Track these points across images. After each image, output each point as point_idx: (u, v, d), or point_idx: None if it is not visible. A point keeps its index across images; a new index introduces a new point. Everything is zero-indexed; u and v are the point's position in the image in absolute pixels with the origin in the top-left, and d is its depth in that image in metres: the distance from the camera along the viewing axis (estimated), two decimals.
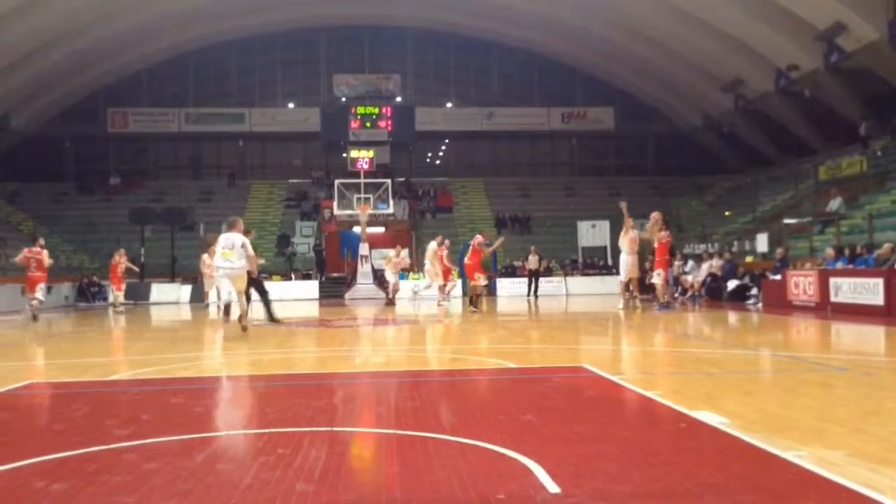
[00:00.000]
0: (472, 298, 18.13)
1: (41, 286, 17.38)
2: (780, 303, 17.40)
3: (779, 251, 20.08)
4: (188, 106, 40.35)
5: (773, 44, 28.63)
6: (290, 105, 41.46)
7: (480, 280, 18.05)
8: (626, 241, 17.29)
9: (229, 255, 12.73)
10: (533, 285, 27.07)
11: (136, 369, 8.25)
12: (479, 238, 18.46)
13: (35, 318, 16.74)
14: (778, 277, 18.32)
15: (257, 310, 14.83)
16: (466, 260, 18.33)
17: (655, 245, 17.56)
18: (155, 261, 30.29)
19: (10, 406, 6.11)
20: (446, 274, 20.62)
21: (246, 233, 14.59)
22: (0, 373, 8.01)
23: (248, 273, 14.17)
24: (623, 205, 17.41)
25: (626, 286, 17.63)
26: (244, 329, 12.49)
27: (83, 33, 31.38)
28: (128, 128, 39.95)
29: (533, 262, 27.48)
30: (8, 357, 10.25)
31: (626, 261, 17.21)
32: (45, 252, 17.53)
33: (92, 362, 9.28)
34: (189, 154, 41.98)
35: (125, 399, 6.44)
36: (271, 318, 14.37)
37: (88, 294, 27.71)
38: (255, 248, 14.57)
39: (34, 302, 17.19)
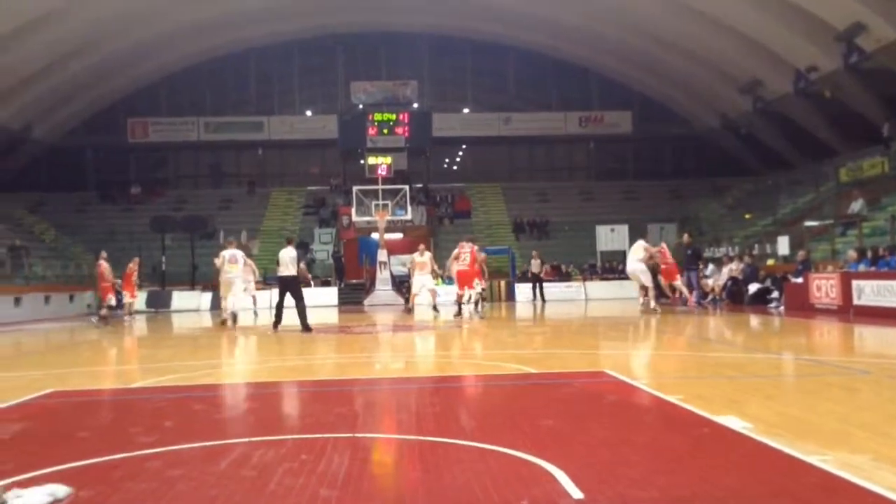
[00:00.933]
0: (476, 303, 18.29)
1: (109, 295, 19.85)
2: (802, 306, 17.26)
3: (800, 254, 19.92)
4: (207, 115, 40.66)
5: (792, 45, 28.44)
6: (308, 113, 41.71)
7: (478, 287, 18.15)
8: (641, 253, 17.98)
9: (234, 267, 16.21)
10: (538, 290, 27.15)
11: (159, 377, 8.31)
12: (482, 255, 18.65)
13: (102, 321, 18.99)
14: (800, 280, 18.17)
15: (292, 317, 14.94)
16: (466, 267, 18.17)
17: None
18: (175, 269, 30.50)
19: (34, 414, 6.17)
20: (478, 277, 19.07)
21: (289, 241, 15.24)
22: (24, 381, 8.11)
23: (292, 279, 14.62)
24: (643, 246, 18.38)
25: (646, 289, 18.15)
26: (223, 323, 16.44)
27: (102, 44, 31.73)
28: (148, 137, 40.33)
29: (535, 265, 27.54)
30: (31, 365, 10.36)
31: (639, 268, 17.89)
32: (105, 265, 19.82)
33: (115, 370, 9.37)
34: (209, 162, 42.32)
35: (148, 406, 6.49)
36: (304, 326, 14.65)
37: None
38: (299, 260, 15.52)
39: (102, 310, 19.72)
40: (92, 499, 3.56)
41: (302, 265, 15.64)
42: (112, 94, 38.35)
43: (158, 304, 27.14)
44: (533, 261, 27.66)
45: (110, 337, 15.79)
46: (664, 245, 19.60)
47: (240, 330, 15.83)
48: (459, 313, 18.01)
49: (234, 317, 16.65)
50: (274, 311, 15.45)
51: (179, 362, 10.06)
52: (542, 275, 27.84)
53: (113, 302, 20.17)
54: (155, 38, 33.36)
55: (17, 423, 5.71)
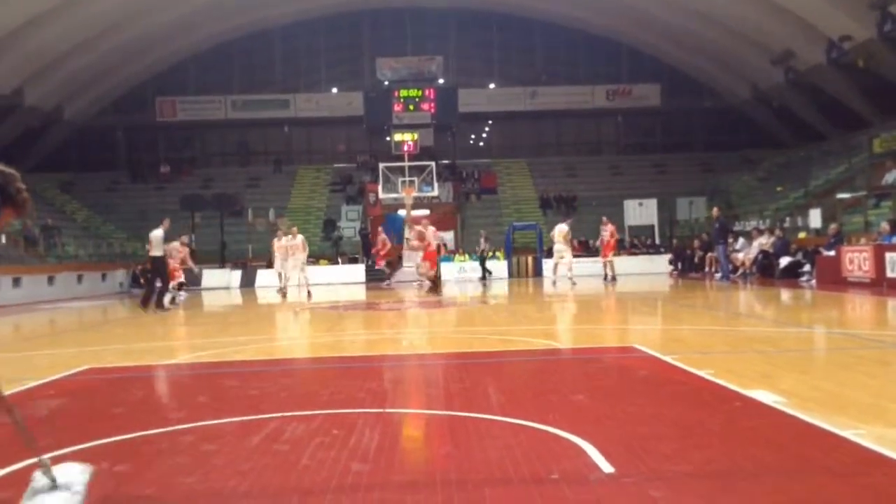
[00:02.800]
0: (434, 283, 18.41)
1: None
2: (834, 279, 17.02)
3: (832, 227, 19.63)
4: (234, 93, 40.80)
5: (825, 14, 27.83)
6: (334, 90, 41.67)
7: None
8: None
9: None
10: (483, 269, 27.58)
11: (191, 353, 8.41)
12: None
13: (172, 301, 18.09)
14: (832, 253, 17.92)
15: (319, 294, 15.06)
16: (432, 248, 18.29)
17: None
18: (205, 247, 30.79)
19: (70, 391, 6.28)
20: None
21: (161, 222, 15.97)
22: (59, 358, 8.25)
23: (160, 259, 15.46)
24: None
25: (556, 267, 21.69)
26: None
27: (130, 24, 31.88)
28: (176, 116, 40.60)
29: (481, 244, 28.26)
30: (66, 343, 10.54)
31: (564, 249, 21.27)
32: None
33: (148, 347, 9.49)
34: (236, 141, 42.52)
35: (182, 382, 6.59)
36: (159, 304, 15.47)
37: (141, 280, 28.30)
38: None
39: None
40: (128, 473, 3.62)
41: (167, 246, 16.20)
42: (140, 74, 38.59)
43: (189, 282, 27.40)
44: (481, 240, 28.27)
45: (142, 315, 16.01)
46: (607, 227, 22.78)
47: (278, 306, 16.02)
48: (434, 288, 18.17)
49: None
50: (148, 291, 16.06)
51: (211, 339, 10.18)
52: (486, 253, 28.37)
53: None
54: (182, 18, 33.45)
55: (54, 399, 5.82)
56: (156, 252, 15.45)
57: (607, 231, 22.63)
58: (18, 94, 32.05)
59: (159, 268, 15.59)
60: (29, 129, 35.03)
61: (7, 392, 5.83)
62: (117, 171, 40.10)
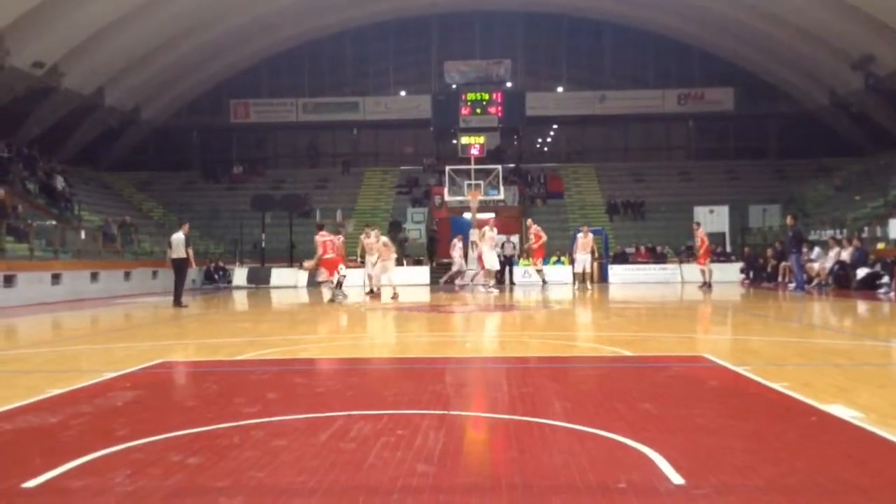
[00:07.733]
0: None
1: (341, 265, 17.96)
2: None
3: None
4: (305, 96, 41.47)
5: None
6: (402, 93, 42.00)
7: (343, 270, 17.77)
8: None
9: None
10: (508, 273, 27.24)
11: (261, 350, 8.57)
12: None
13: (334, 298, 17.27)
14: None
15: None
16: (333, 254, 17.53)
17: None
18: (274, 246, 31.34)
19: (145, 383, 6.46)
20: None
21: (180, 226, 17.07)
22: (134, 352, 8.51)
23: (182, 261, 16.40)
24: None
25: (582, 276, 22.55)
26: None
27: (205, 28, 32.74)
28: (249, 118, 41.48)
29: (508, 248, 27.98)
30: (142, 337, 10.86)
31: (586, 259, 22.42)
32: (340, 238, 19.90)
33: (220, 343, 9.71)
34: (306, 143, 43.22)
35: (252, 378, 6.71)
36: (177, 301, 16.32)
37: (215, 277, 29.07)
38: None
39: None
40: (200, 465, 3.70)
41: (190, 249, 16.83)
42: (215, 77, 39.59)
43: (258, 279, 27.99)
44: (506, 244, 27.94)
45: (212, 311, 16.39)
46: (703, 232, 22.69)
47: (336, 306, 16.21)
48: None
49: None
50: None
51: (280, 336, 10.36)
52: (514, 258, 28.21)
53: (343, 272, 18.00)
54: (255, 21, 34.19)
55: (130, 391, 5.99)
56: (177, 254, 16.50)
57: (698, 237, 22.29)
58: (99, 95, 33.26)
59: (181, 267, 16.63)
60: (108, 129, 36.31)
61: (84, 383, 6.06)
62: (192, 171, 41.19)
